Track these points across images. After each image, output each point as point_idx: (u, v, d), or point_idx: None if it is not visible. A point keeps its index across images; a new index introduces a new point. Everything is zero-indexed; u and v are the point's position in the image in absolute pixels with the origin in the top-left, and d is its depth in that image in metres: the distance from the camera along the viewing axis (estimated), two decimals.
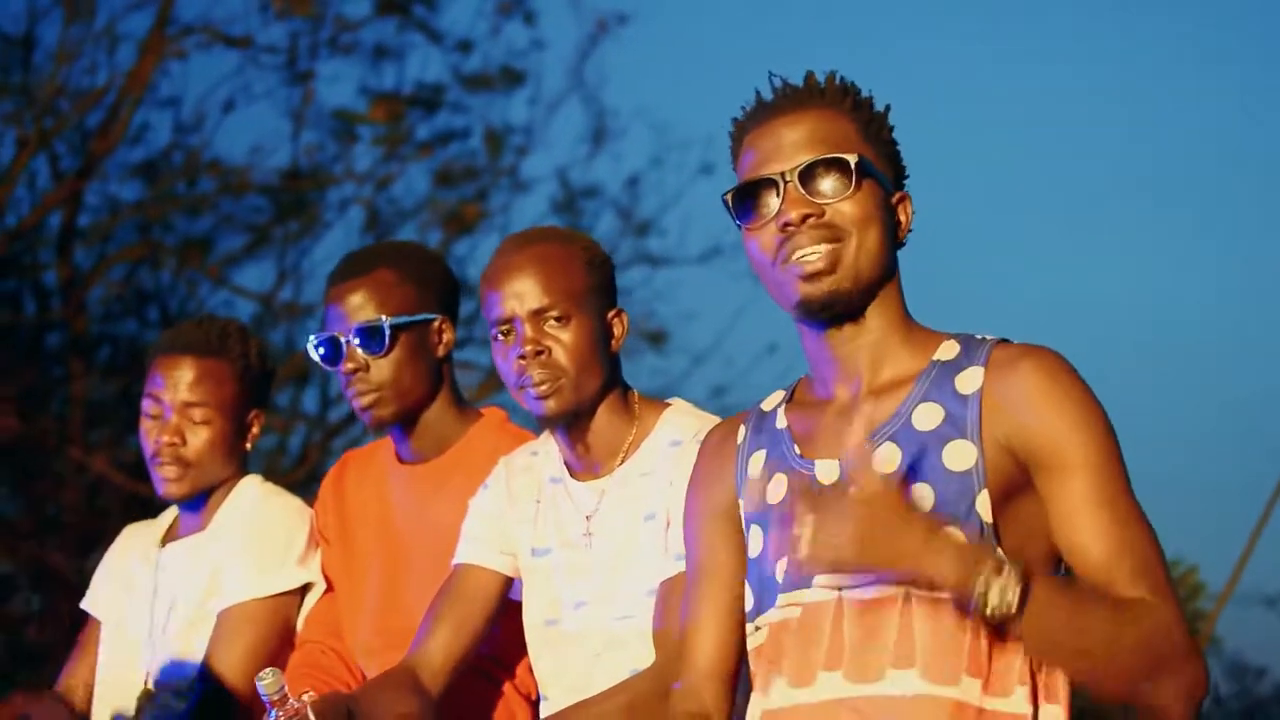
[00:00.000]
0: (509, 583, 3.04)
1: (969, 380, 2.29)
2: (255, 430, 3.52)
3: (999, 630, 2.15)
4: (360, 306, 3.26)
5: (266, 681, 2.55)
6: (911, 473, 2.25)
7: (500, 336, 2.90)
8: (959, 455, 2.25)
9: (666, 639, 2.68)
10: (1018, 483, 2.26)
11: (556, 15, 19.04)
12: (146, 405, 3.43)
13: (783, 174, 2.31)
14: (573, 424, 2.92)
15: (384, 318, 3.26)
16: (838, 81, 2.38)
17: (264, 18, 10.91)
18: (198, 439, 3.41)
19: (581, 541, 2.95)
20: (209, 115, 11.14)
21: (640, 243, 12.21)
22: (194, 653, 3.40)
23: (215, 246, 11.69)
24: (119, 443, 10.05)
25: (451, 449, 3.32)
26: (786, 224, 2.30)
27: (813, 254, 2.29)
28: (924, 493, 2.24)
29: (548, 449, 3.05)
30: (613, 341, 2.95)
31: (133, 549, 3.63)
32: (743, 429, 2.48)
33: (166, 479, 3.41)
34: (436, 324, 3.33)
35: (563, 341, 2.87)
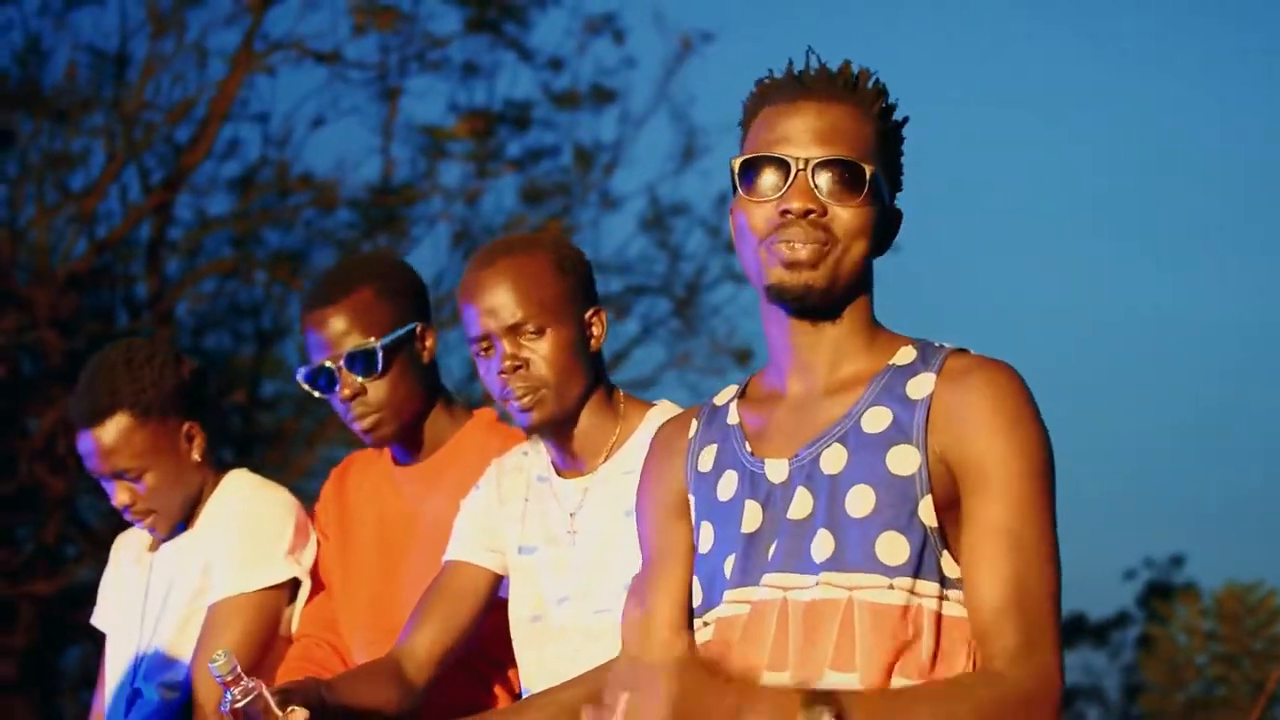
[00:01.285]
0: (498, 580, 3.08)
1: (920, 386, 2.28)
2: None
3: None
4: (346, 332, 3.27)
5: (219, 663, 2.57)
6: (856, 475, 2.24)
7: (481, 353, 2.94)
8: (903, 460, 2.23)
9: None
10: (954, 493, 2.24)
11: (643, 33, 19.06)
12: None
13: (799, 160, 2.29)
14: (558, 429, 2.96)
15: (374, 340, 3.27)
16: (871, 82, 2.36)
17: (352, 33, 11.02)
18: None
19: (566, 538, 2.98)
20: (297, 130, 11.28)
21: (729, 260, 12.18)
22: (186, 650, 3.42)
23: (306, 261, 11.80)
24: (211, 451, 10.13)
25: (443, 449, 3.35)
26: (786, 211, 2.28)
27: (801, 247, 2.27)
28: (865, 495, 2.23)
29: (538, 448, 3.08)
30: (592, 341, 2.98)
31: (125, 556, 3.67)
32: (695, 423, 2.47)
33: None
34: (419, 332, 3.34)
35: (540, 353, 2.91)
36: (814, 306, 2.31)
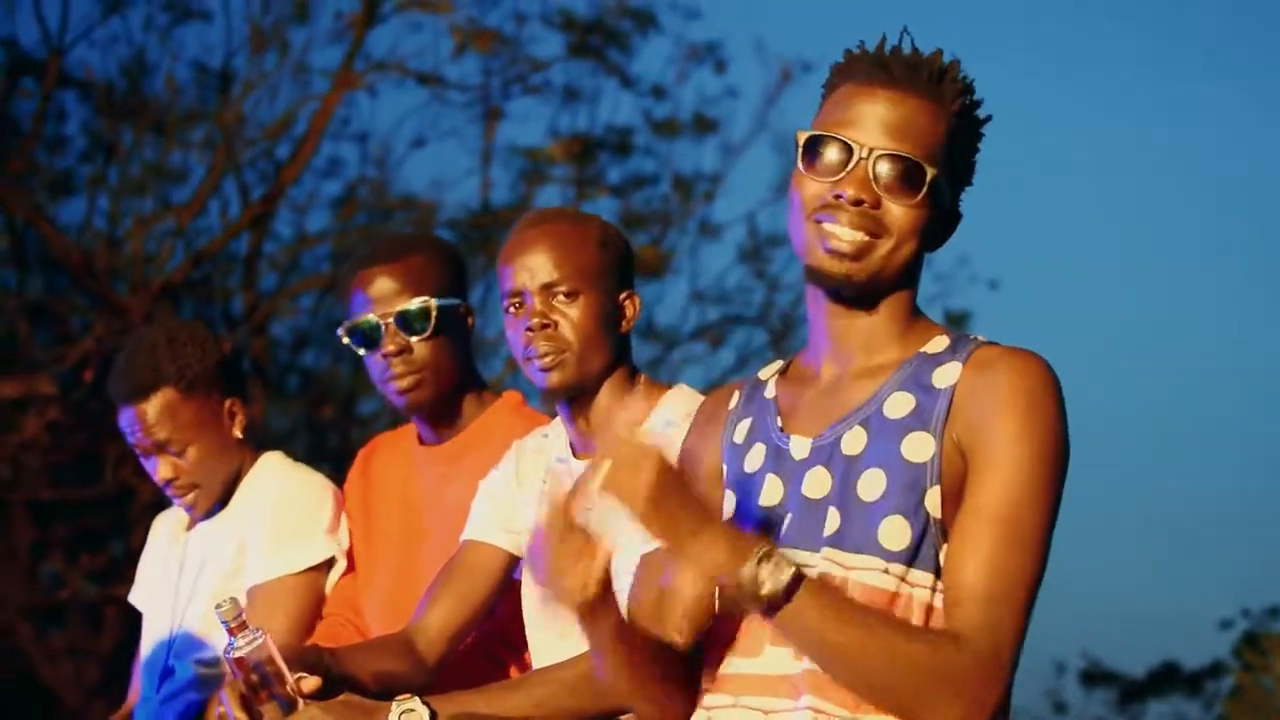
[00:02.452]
0: (514, 561, 3.08)
1: (945, 375, 2.25)
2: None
3: (769, 616, 2.11)
4: (399, 291, 3.28)
5: (224, 609, 2.57)
6: (871, 458, 2.22)
7: (511, 309, 2.96)
8: (917, 447, 2.21)
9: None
10: (964, 485, 2.21)
11: (745, 62, 19.09)
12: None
13: (862, 148, 2.25)
14: (575, 399, 2.97)
15: (428, 299, 3.28)
16: (957, 78, 2.31)
17: (453, 54, 11.10)
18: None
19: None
20: (396, 149, 11.38)
21: None
22: (218, 628, 3.43)
23: None
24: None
25: (468, 430, 3.35)
26: (839, 195, 2.25)
27: (848, 235, 2.24)
28: (877, 479, 2.21)
29: (558, 431, 3.08)
30: (623, 322, 3.00)
31: (162, 535, 3.70)
32: (737, 395, 2.46)
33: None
34: (463, 309, 3.36)
35: (569, 317, 2.93)
36: (852, 296, 2.29)
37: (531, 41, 11.66)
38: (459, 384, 3.35)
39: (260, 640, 2.59)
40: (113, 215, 10.33)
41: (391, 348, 3.26)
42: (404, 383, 3.28)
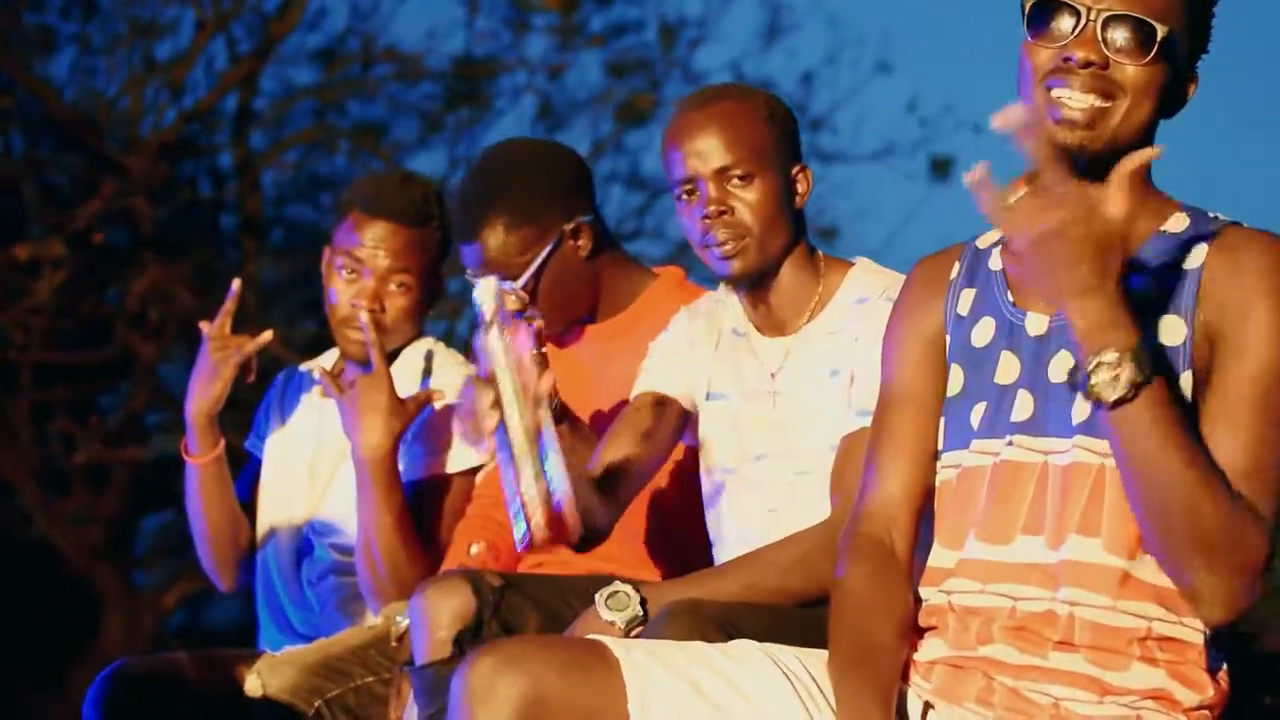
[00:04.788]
0: (685, 415, 3.04)
1: (1191, 257, 2.23)
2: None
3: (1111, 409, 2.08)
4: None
5: (491, 289, 2.44)
6: None
7: (684, 196, 2.91)
8: (1170, 331, 2.20)
9: (844, 494, 2.70)
10: (1211, 369, 2.20)
11: None
12: (342, 261, 3.42)
13: (1089, 10, 2.22)
14: (758, 283, 2.94)
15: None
16: None
17: None
18: (395, 306, 3.42)
19: (765, 397, 2.95)
20: (384, 1, 11.18)
21: (813, 138, 12.06)
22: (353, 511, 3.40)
23: (388, 133, 11.75)
24: (293, 324, 10.20)
25: (631, 306, 3.34)
26: (1068, 59, 2.22)
27: (1079, 102, 2.22)
28: None
29: (730, 300, 3.05)
30: (796, 198, 2.95)
31: (296, 392, 3.66)
32: (957, 264, 2.43)
33: (356, 341, 3.40)
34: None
35: (747, 200, 2.88)
36: (1089, 165, 2.23)
37: None
38: (609, 273, 3.32)
39: (523, 326, 2.44)
40: (109, 71, 10.12)
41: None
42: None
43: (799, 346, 2.94)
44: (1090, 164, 2.23)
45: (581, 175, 3.35)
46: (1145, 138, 2.27)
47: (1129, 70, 2.22)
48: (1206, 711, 2.20)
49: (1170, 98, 2.28)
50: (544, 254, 3.23)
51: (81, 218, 8.75)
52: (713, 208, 2.86)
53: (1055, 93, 2.22)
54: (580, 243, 3.28)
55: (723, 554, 2.99)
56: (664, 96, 12.05)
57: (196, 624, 11.75)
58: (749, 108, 2.92)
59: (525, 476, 2.36)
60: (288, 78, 11.38)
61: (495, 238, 3.20)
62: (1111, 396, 2.04)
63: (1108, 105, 2.22)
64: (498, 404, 2.37)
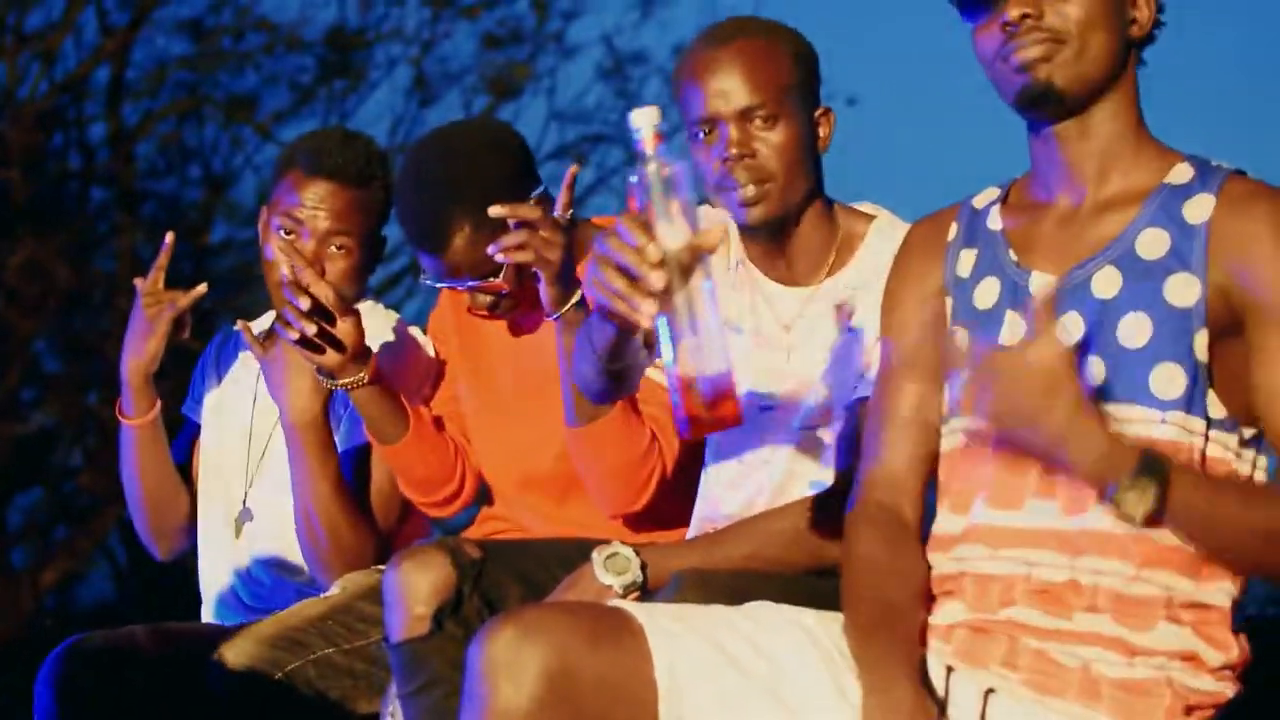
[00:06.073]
0: None
1: (1198, 209, 2.16)
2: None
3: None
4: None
5: (651, 117, 2.05)
6: (1131, 302, 2.16)
7: (701, 135, 2.68)
8: (1181, 289, 2.13)
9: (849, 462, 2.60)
10: (1230, 326, 2.15)
11: None
12: (279, 221, 3.32)
13: None
14: (778, 231, 2.75)
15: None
16: None
17: None
18: (336, 269, 3.33)
19: (780, 348, 2.80)
20: None
21: None
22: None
23: (261, 104, 11.65)
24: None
25: (582, 260, 3.13)
26: (1005, 23, 2.19)
27: (1031, 51, 2.18)
28: (1141, 323, 2.14)
29: (732, 230, 2.84)
30: (819, 142, 2.77)
31: (233, 353, 3.53)
32: (954, 225, 2.36)
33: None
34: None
35: (771, 143, 2.67)
36: (1064, 109, 2.21)
37: None
38: None
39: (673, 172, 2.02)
40: None
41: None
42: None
43: (819, 299, 2.78)
44: (1070, 105, 2.20)
45: (526, 151, 3.15)
46: (1115, 67, 2.23)
47: (1065, 9, 2.19)
48: (1229, 671, 2.19)
49: (1124, 22, 2.23)
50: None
51: None
52: (734, 150, 2.64)
53: (1011, 59, 2.20)
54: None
55: (709, 480, 2.87)
56: (537, 70, 12.07)
57: (68, 605, 11.60)
58: (775, 44, 2.71)
59: (684, 346, 1.99)
60: (160, 49, 11.26)
61: (462, 238, 2.99)
62: (1145, 511, 2.04)
63: (1058, 46, 2.19)
64: (661, 263, 1.98)
